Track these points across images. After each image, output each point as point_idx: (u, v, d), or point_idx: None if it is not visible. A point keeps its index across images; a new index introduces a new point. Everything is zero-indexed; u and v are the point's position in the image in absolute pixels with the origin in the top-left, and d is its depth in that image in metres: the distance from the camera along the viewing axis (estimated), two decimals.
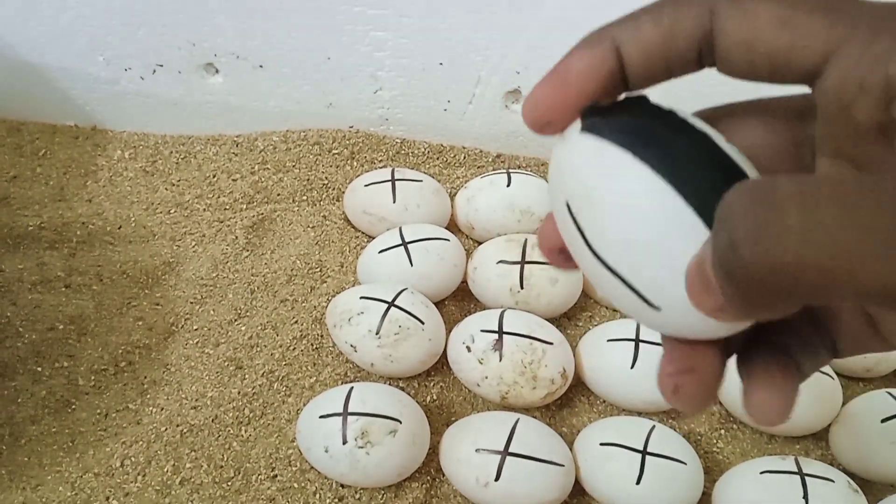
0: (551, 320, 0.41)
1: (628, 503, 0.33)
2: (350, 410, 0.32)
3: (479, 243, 0.44)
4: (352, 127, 0.51)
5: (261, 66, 0.47)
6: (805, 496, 0.32)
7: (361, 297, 0.37)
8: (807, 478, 0.33)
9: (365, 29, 0.45)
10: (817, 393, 0.37)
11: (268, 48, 0.47)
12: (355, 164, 0.49)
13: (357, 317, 0.36)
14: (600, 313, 0.43)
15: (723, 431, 0.38)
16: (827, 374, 0.38)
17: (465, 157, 0.51)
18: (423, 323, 0.36)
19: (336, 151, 0.50)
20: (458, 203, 0.46)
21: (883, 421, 0.36)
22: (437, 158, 0.51)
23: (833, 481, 0.33)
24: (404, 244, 0.40)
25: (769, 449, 0.38)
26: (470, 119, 0.50)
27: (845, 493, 0.33)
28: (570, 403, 0.39)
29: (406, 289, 0.38)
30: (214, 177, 0.48)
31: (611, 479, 0.34)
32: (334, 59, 0.47)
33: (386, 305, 0.36)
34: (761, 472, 0.34)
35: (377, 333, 0.36)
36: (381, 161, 0.50)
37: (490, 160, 0.51)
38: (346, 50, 0.46)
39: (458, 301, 0.42)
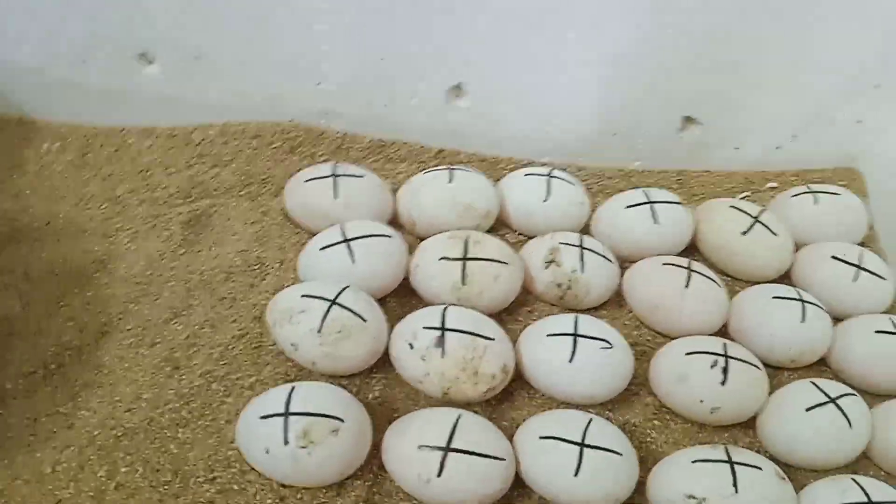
0: (493, 316, 0.41)
1: (566, 494, 0.34)
2: (291, 410, 0.32)
3: (422, 239, 0.44)
4: (292, 120, 0.50)
5: (198, 57, 0.46)
6: (734, 483, 0.34)
7: (303, 296, 0.37)
8: (736, 466, 0.34)
9: (308, 21, 0.44)
10: (745, 382, 0.38)
11: (206, 38, 0.46)
12: (296, 158, 0.49)
13: (298, 315, 0.36)
14: (540, 308, 0.44)
15: (656, 422, 0.40)
16: (754, 365, 0.39)
17: (407, 153, 0.51)
18: (365, 321, 0.36)
19: (276, 145, 0.49)
20: (400, 199, 0.46)
21: (807, 410, 0.38)
22: (379, 153, 0.51)
23: (761, 469, 0.35)
24: (346, 241, 0.40)
25: (700, 437, 0.39)
26: (412, 114, 0.50)
27: (773, 480, 0.34)
28: (510, 398, 0.39)
29: (348, 286, 0.37)
30: (149, 170, 0.47)
31: (550, 471, 0.34)
32: (276, 51, 0.46)
33: (328, 304, 0.36)
34: (693, 462, 0.35)
35: (319, 332, 0.35)
36: (322, 155, 0.49)
37: (432, 155, 0.51)
38: (289, 41, 0.46)
39: (401, 297, 0.42)
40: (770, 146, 0.53)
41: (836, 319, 0.44)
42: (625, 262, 0.45)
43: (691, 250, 0.48)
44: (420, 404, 0.38)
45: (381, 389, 0.38)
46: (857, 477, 0.36)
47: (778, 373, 0.43)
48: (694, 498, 0.34)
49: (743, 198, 0.53)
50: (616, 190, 0.51)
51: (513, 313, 0.43)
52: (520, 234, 0.48)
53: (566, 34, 0.46)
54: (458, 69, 0.47)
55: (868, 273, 0.45)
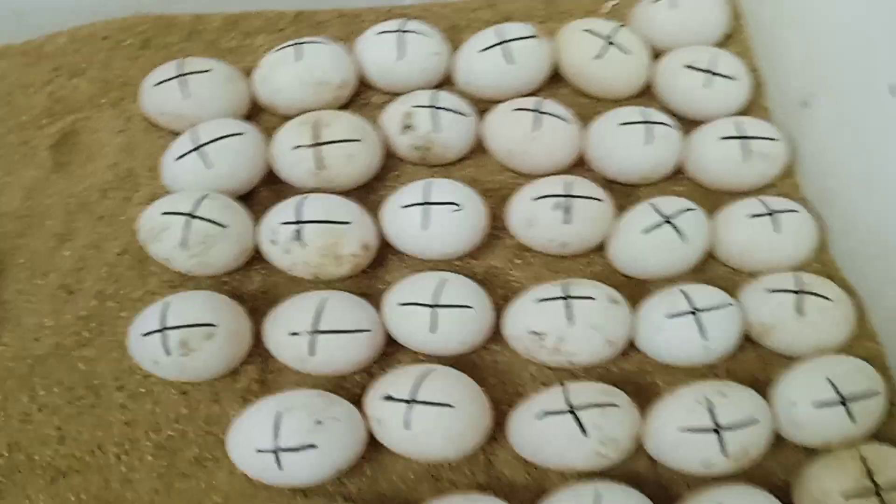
0: (360, 188, 0.44)
1: (427, 349, 0.39)
2: (167, 325, 0.36)
3: (288, 118, 0.45)
4: (138, 12, 0.49)
5: None
6: (569, 317, 0.38)
7: (163, 213, 0.39)
8: (571, 300, 0.39)
9: None
10: (588, 217, 0.42)
11: None
12: (150, 52, 0.49)
13: (162, 233, 0.39)
14: (406, 171, 0.46)
15: (517, 261, 0.44)
16: (595, 199, 0.42)
17: (263, 23, 0.50)
18: (225, 227, 0.39)
19: (127, 42, 0.49)
20: (255, 84, 0.46)
21: (645, 232, 0.41)
22: (234, 29, 0.50)
23: (594, 298, 0.39)
24: (197, 148, 0.41)
25: (560, 267, 0.43)
26: None
27: (605, 306, 0.39)
28: (385, 264, 0.43)
29: (207, 195, 0.40)
30: (10, 94, 0.47)
31: (410, 332, 0.39)
32: None
33: (186, 218, 0.39)
34: (537, 301, 0.39)
35: (183, 246, 0.39)
36: (175, 45, 0.49)
37: (290, 20, 0.51)
38: None
39: (271, 185, 0.44)
40: None
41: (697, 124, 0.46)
42: (486, 107, 0.47)
43: (558, 79, 0.49)
44: (302, 287, 0.41)
45: (260, 280, 0.42)
46: (686, 287, 0.41)
47: (635, 189, 0.46)
48: (536, 333, 0.39)
49: (612, 5, 0.53)
50: (483, 22, 0.51)
51: (382, 180, 0.46)
52: (385, 92, 0.48)
53: None
54: None
55: (720, 77, 0.47)
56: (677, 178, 0.47)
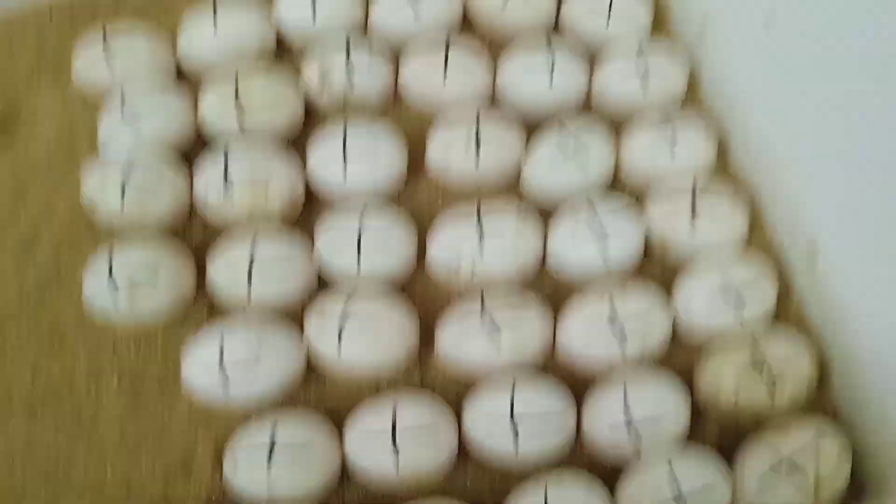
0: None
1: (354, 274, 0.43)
2: (112, 267, 0.40)
3: None
4: None
5: None
6: (480, 240, 0.43)
7: (100, 171, 0.43)
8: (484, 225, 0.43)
9: None
10: (499, 147, 0.46)
11: None
12: (81, 28, 0.51)
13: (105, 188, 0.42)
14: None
15: (439, 201, 0.47)
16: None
17: None
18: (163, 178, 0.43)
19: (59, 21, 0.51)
20: (179, 50, 0.49)
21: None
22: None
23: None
24: (123, 116, 0.44)
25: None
26: None
27: (514, 222, 0.43)
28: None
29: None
30: None
31: (339, 263, 0.43)
32: None
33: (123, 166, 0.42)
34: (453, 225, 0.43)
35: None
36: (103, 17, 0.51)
37: None
38: None
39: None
40: None
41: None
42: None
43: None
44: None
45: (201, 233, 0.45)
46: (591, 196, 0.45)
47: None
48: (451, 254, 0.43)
49: None
50: None
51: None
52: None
53: None
54: None
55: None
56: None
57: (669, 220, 0.45)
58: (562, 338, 0.42)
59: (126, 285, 0.40)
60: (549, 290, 0.44)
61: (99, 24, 0.50)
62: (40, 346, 0.42)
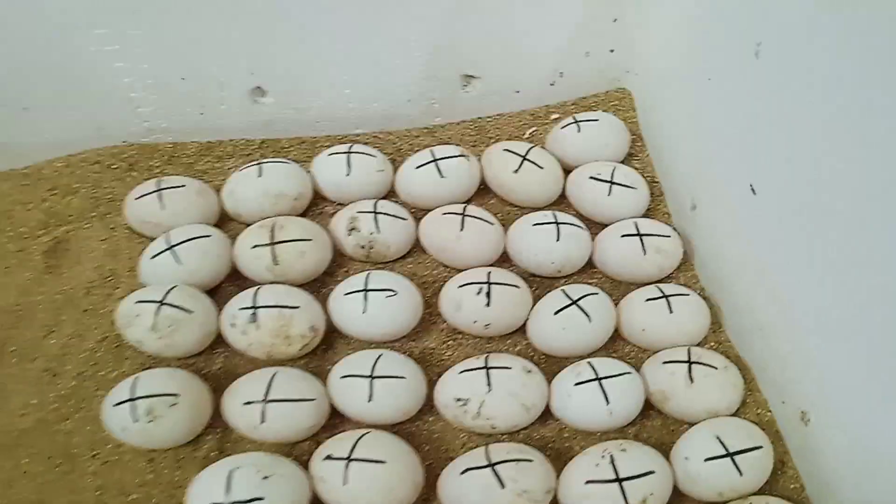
0: (313, 281, 0.51)
1: (365, 415, 0.45)
2: (136, 395, 0.42)
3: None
4: (125, 142, 0.58)
5: (25, 109, 0.53)
6: (488, 384, 0.44)
7: (136, 302, 0.46)
8: (490, 370, 0.45)
9: (109, 57, 0.52)
10: (507, 301, 0.49)
11: (28, 89, 0.53)
12: (135, 173, 0.57)
13: (135, 318, 0.45)
14: (354, 266, 0.53)
15: (450, 342, 0.50)
16: (513, 285, 0.49)
17: (233, 149, 0.59)
18: (192, 312, 0.46)
19: (115, 166, 0.57)
20: (224, 198, 0.54)
21: (555, 313, 0.48)
22: (208, 154, 0.59)
23: (510, 368, 0.45)
24: (170, 248, 0.48)
25: (488, 348, 0.50)
26: (227, 117, 0.57)
27: (520, 374, 0.45)
28: (332, 346, 0.49)
29: (176, 286, 0.47)
30: (11, 210, 0.55)
31: (351, 401, 0.45)
32: (89, 88, 0.54)
33: (157, 304, 0.45)
34: (460, 372, 0.46)
35: (153, 329, 0.45)
36: (157, 167, 0.57)
37: (256, 146, 0.60)
38: (97, 78, 0.53)
39: (234, 281, 0.51)
40: (544, 84, 0.62)
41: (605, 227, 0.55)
42: (422, 213, 0.55)
43: (486, 191, 0.57)
44: (258, 366, 0.48)
45: (222, 361, 0.48)
46: (593, 359, 0.47)
47: (554, 281, 0.53)
48: (460, 399, 0.45)
49: (531, 132, 0.62)
50: (423, 146, 0.60)
51: (332, 275, 0.53)
52: (338, 203, 0.56)
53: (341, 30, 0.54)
54: (249, 76, 0.55)
55: (620, 186, 0.55)
56: (591, 272, 0.54)
57: (667, 381, 0.47)
58: (562, 495, 0.43)
59: (144, 412, 0.42)
60: (553, 434, 0.46)
61: (152, 174, 0.56)
62: (50, 472, 0.43)
